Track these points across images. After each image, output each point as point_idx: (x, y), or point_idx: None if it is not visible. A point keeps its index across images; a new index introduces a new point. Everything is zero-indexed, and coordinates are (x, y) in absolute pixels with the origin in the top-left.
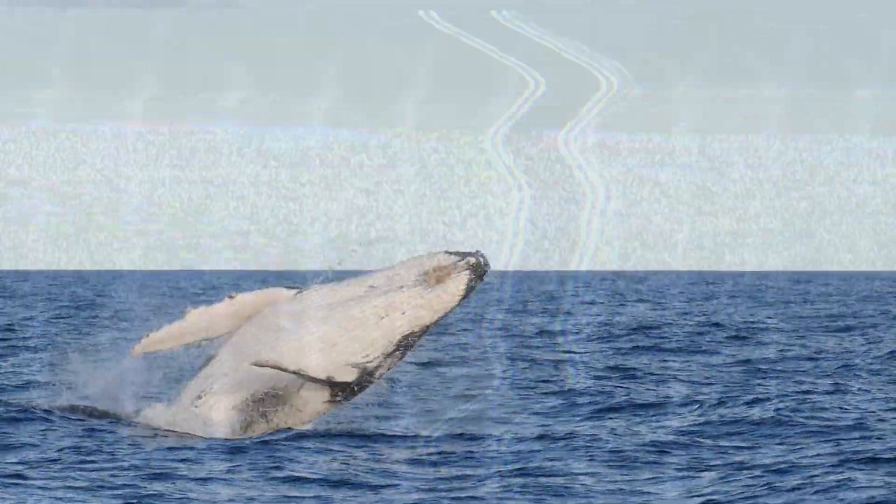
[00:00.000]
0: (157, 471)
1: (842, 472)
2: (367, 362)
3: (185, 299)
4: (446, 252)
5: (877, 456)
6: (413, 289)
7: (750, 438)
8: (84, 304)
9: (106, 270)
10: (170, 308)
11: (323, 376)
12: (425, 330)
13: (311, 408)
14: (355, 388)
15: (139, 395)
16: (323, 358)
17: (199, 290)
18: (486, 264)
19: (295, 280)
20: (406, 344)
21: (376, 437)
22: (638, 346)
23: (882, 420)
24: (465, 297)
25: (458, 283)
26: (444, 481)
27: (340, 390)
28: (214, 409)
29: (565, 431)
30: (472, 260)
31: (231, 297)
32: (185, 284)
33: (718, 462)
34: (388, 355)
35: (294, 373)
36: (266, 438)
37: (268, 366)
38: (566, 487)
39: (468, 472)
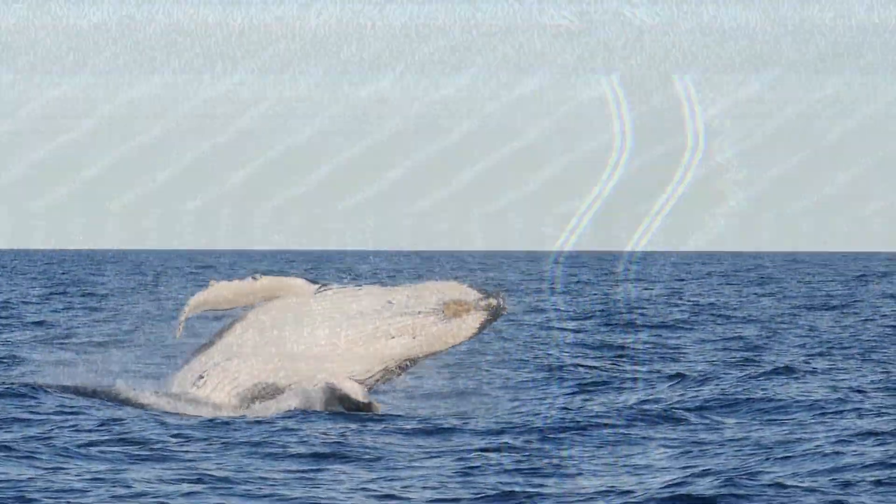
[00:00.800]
0: (150, 447)
1: (834, 447)
2: (369, 377)
3: None
4: (470, 286)
5: (870, 431)
6: (429, 316)
7: (744, 414)
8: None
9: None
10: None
11: (330, 390)
12: (430, 355)
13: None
14: None
15: (131, 372)
16: (328, 372)
17: None
18: (505, 308)
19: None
20: (409, 364)
21: (368, 414)
22: (631, 324)
23: (872, 397)
24: (476, 335)
25: (473, 322)
26: (434, 456)
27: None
28: (216, 392)
29: (555, 406)
30: (493, 302)
31: (255, 277)
32: None
33: (712, 437)
34: (389, 371)
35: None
36: (259, 415)
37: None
38: (557, 465)
39: (457, 446)
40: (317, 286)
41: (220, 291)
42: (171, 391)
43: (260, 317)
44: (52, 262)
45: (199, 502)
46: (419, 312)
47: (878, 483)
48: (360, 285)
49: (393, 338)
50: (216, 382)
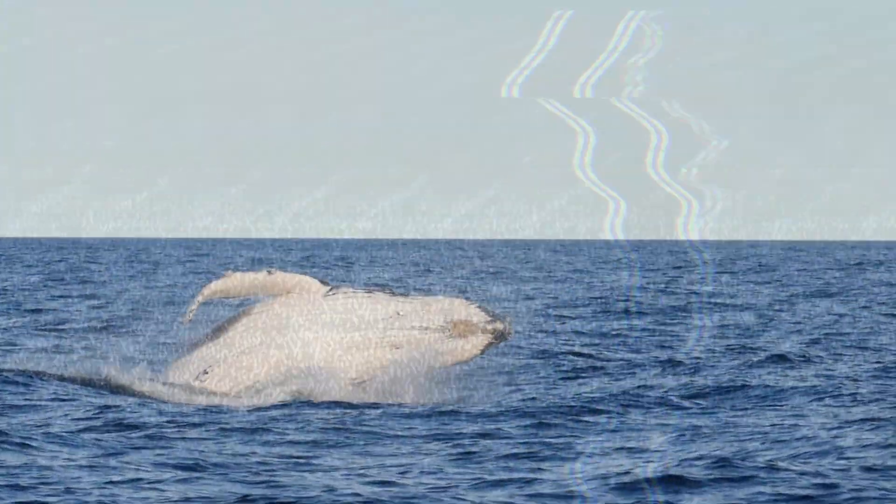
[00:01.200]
0: (146, 433)
1: (830, 432)
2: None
3: None
4: (479, 307)
5: (866, 417)
6: (434, 333)
7: (739, 400)
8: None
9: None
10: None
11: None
12: (431, 370)
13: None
14: None
15: (129, 360)
16: (331, 375)
17: None
18: (510, 333)
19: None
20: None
21: (363, 400)
22: (627, 311)
23: (868, 384)
24: (478, 356)
25: (477, 344)
26: (431, 442)
27: None
28: (221, 386)
29: (551, 392)
30: (500, 327)
31: (270, 272)
32: None
33: (708, 422)
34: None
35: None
36: (255, 402)
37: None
38: (554, 450)
39: (454, 431)
40: (328, 287)
41: (234, 283)
42: (172, 382)
43: (268, 315)
44: (49, 249)
45: (195, 488)
46: (426, 329)
47: (872, 469)
48: (370, 291)
49: (397, 349)
50: (220, 378)
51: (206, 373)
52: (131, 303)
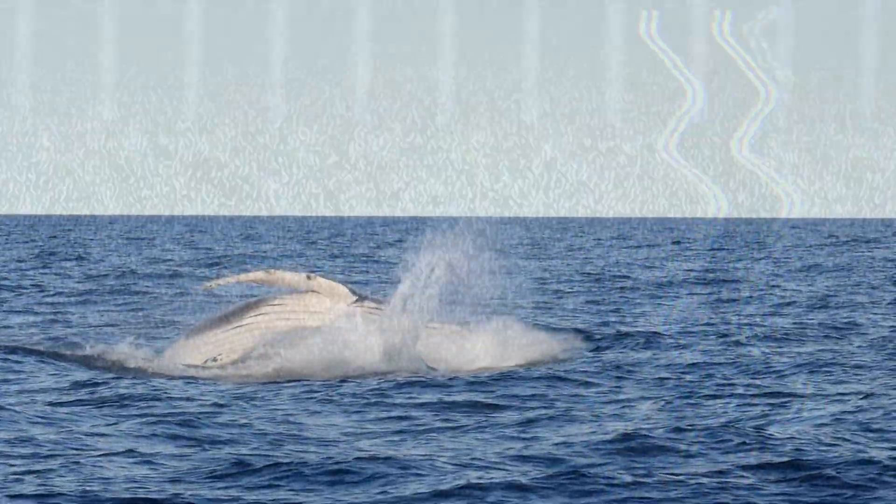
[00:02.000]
0: (139, 408)
1: (817, 402)
2: None
3: None
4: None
5: (857, 391)
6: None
7: (732, 374)
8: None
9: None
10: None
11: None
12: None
13: None
14: None
15: (127, 336)
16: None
17: None
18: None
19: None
20: None
21: (358, 378)
22: (624, 288)
23: (859, 358)
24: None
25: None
26: (428, 412)
27: None
28: (227, 379)
29: (544, 365)
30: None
31: (309, 277)
32: None
33: (701, 391)
34: None
35: None
36: (253, 383)
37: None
38: (549, 419)
39: (447, 398)
40: (355, 297)
41: (271, 278)
42: (179, 362)
43: (286, 313)
44: (45, 226)
45: (190, 458)
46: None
47: (860, 439)
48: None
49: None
50: (229, 368)
51: (216, 360)
52: (126, 276)
